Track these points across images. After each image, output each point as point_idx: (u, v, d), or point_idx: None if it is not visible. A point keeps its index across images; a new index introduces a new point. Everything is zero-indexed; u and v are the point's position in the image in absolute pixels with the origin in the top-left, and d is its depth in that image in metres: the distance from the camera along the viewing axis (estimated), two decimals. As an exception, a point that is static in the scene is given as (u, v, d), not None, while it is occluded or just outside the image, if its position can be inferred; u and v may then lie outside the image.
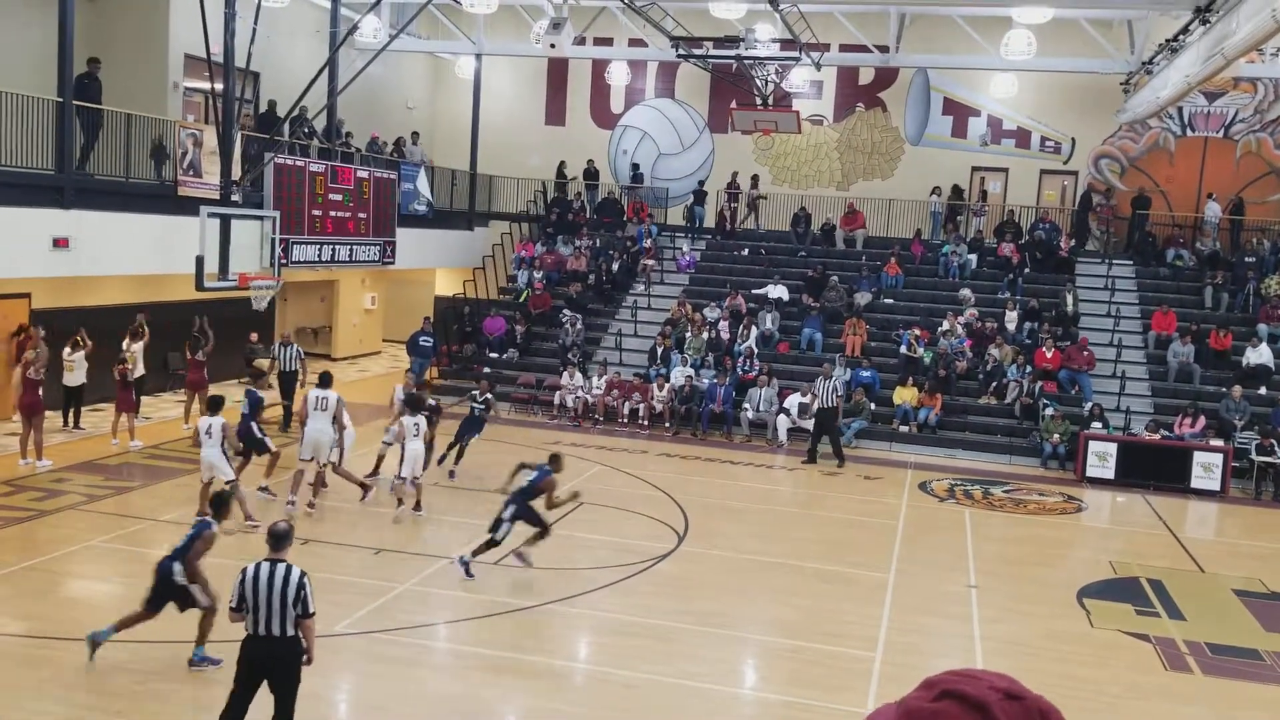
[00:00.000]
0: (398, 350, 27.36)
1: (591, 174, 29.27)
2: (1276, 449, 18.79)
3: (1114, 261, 25.36)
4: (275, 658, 7.12)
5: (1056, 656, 10.56)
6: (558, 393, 21.93)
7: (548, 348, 24.05)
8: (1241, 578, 13.60)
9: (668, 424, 21.22)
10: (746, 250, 27.03)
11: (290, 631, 7.10)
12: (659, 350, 22.76)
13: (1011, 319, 23.12)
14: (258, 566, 7.18)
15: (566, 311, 24.30)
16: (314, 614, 7.20)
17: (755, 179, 28.42)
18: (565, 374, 22.07)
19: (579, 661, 10.30)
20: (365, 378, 25.84)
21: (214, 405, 13.31)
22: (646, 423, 21.17)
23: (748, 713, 9.29)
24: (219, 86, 18.18)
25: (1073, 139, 27.48)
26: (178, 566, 8.80)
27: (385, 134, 26.40)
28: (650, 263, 26.21)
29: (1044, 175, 27.91)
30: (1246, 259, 24.52)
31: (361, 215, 22.15)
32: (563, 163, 29.30)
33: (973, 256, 25.55)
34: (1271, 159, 26.45)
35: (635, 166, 29.42)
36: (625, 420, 21.45)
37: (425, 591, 11.41)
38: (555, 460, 12.26)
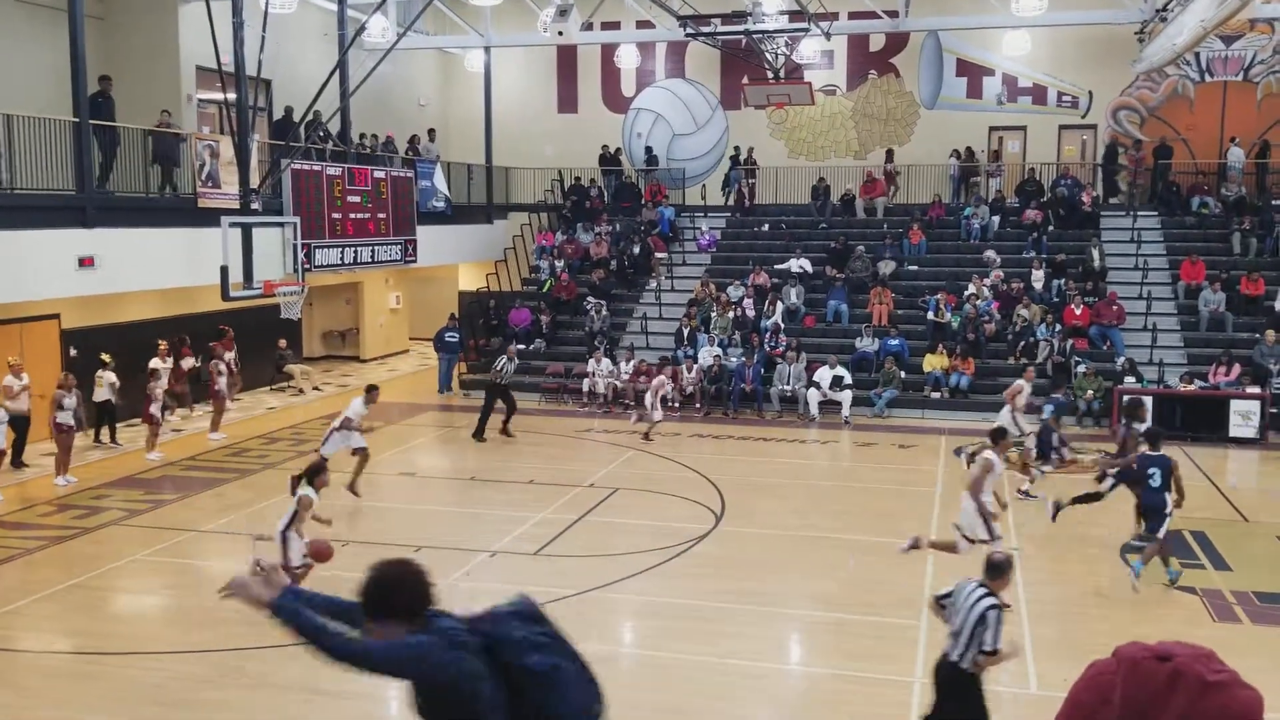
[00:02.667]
0: (425, 348, 27.50)
1: (608, 159, 29.22)
2: (1312, 392, 18.58)
3: (1139, 213, 25.07)
4: (952, 682, 6.93)
5: (1102, 615, 10.51)
6: (586, 380, 21.97)
7: (574, 336, 24.09)
8: (1287, 524, 13.47)
9: (698, 405, 21.22)
10: (766, 226, 26.93)
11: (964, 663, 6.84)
12: (685, 331, 22.75)
13: (1038, 278, 22.93)
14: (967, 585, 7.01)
15: (590, 299, 24.32)
16: (995, 652, 6.79)
17: (750, 151, 28.24)
18: (592, 360, 22.11)
19: (623, 646, 10.33)
20: (395, 377, 25.99)
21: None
22: (677, 405, 21.18)
23: (798, 687, 9.30)
24: (232, 96, 18.26)
25: (1090, 92, 27.15)
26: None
27: (399, 133, 26.47)
28: (660, 255, 26.01)
29: (1063, 131, 27.59)
30: (1274, 202, 24.17)
31: (381, 215, 22.23)
32: (605, 146, 29.21)
33: (995, 218, 25.34)
34: (1295, 99, 26.02)
35: (649, 150, 29.34)
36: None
37: (466, 586, 11.48)
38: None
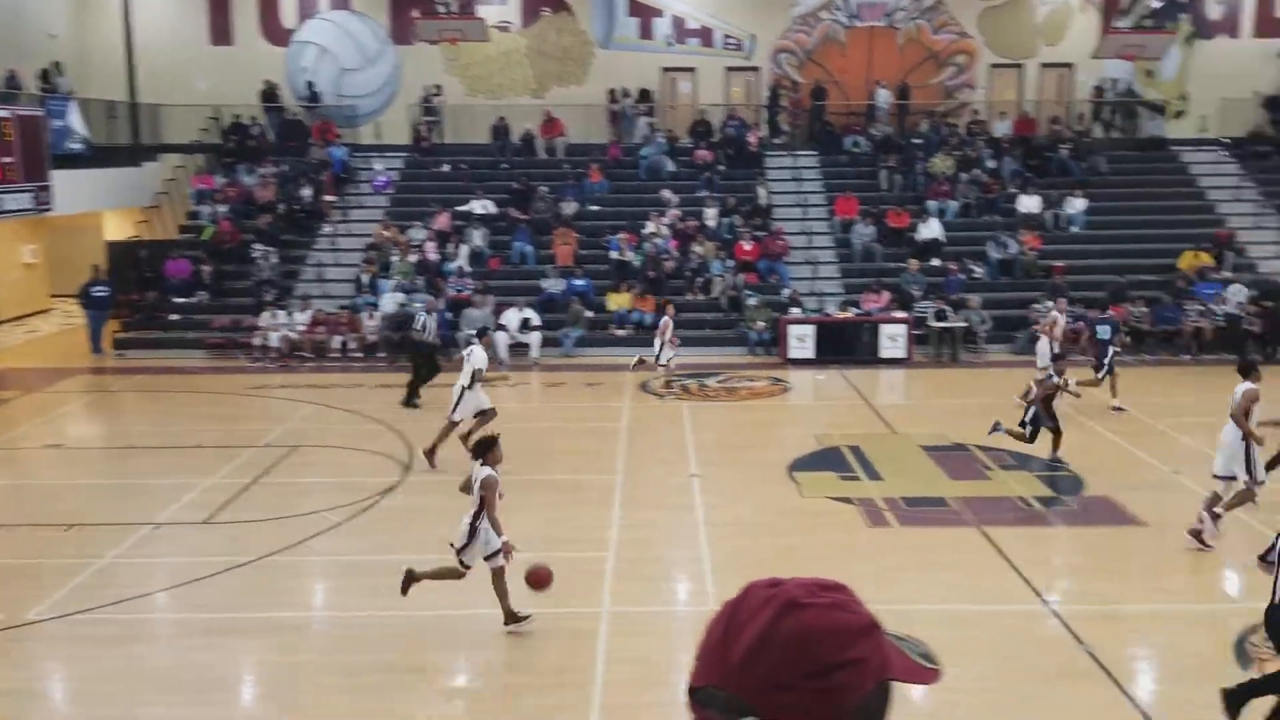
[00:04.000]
0: (71, 305, 24.91)
1: (270, 96, 27.45)
2: (950, 314, 20.54)
3: (799, 153, 26.60)
4: None
5: (773, 530, 11.15)
6: (257, 333, 20.70)
7: (240, 287, 22.58)
8: (928, 434, 14.83)
9: (381, 353, 20.55)
10: (447, 166, 26.34)
11: None
12: (364, 278, 21.91)
13: (711, 216, 23.86)
14: None
15: (258, 246, 22.86)
16: None
17: (439, 89, 27.58)
18: (266, 313, 20.85)
19: (310, 610, 9.89)
20: (36, 339, 23.41)
21: None
22: (360, 354, 20.40)
23: (488, 630, 9.21)
24: None
25: (753, 35, 28.36)
26: None
27: (28, 68, 23.55)
28: (331, 198, 24.80)
29: (730, 73, 28.71)
30: (914, 141, 26.38)
31: (7, 160, 19.74)
32: (267, 82, 27.24)
33: (669, 159, 26.07)
34: (929, 44, 28.38)
35: (310, 85, 27.78)
36: (338, 354, 20.60)
37: (130, 563, 10.53)
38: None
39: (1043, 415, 13.13)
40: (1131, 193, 25.08)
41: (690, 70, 28.61)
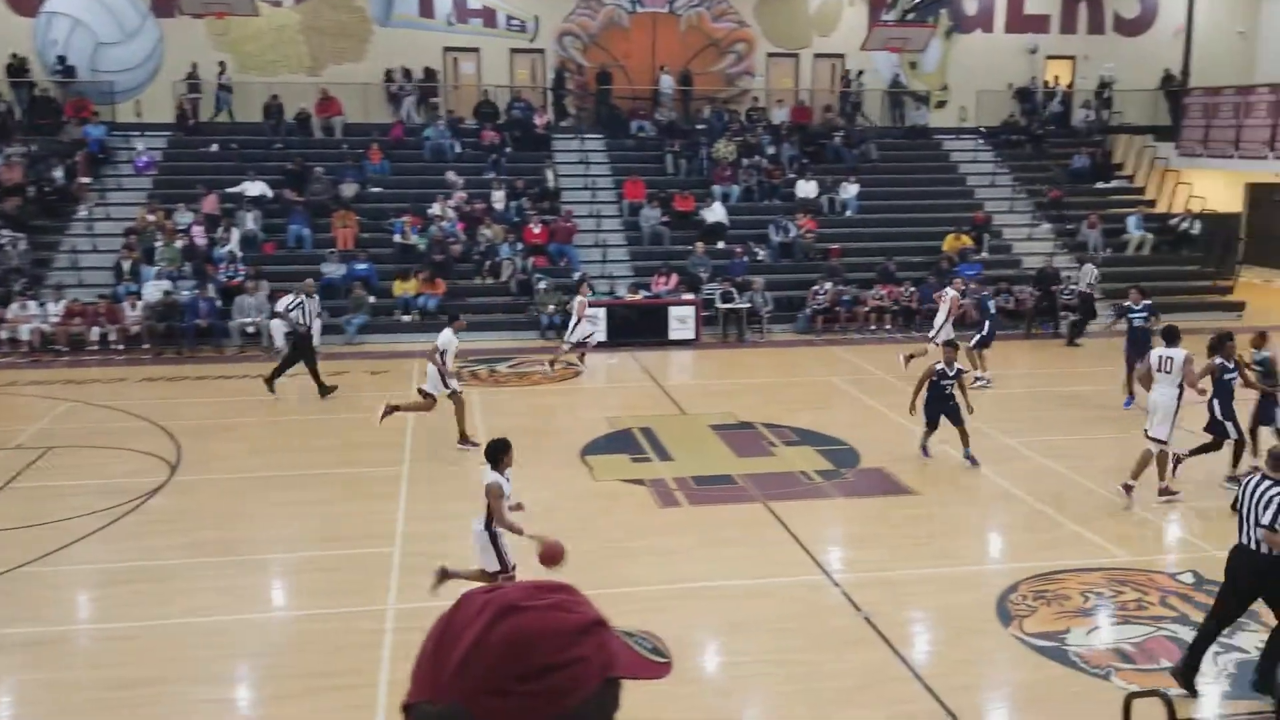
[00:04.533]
0: None
1: (17, 70, 25.21)
2: (736, 296, 21.05)
3: (586, 136, 26.62)
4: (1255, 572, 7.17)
5: (566, 513, 11.07)
6: (5, 326, 19.01)
7: (-14, 275, 20.68)
8: (717, 413, 15.14)
9: (146, 345, 19.26)
10: (215, 146, 24.92)
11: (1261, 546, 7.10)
12: (125, 265, 20.46)
13: (499, 199, 23.57)
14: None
15: (4, 232, 20.98)
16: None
17: (223, 66, 26.11)
18: (15, 304, 19.17)
19: (69, 623, 9.12)
20: None
21: None
22: (122, 347, 19.06)
23: (265, 638, 8.75)
24: None
25: (536, 17, 28.13)
26: None
27: None
28: (86, 179, 23.02)
29: (514, 54, 28.40)
30: (698, 126, 26.87)
31: None
32: (14, 55, 24.87)
33: (455, 140, 25.57)
34: (710, 31, 28.93)
35: (61, 59, 25.68)
36: (96, 347, 19.19)
37: None
38: None
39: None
40: (899, 179, 26.42)
41: (474, 51, 28.13)
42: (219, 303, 19.85)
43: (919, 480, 12.07)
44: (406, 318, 20.73)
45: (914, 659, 7.98)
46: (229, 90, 26.05)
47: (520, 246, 22.16)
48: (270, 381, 16.00)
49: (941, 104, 29.78)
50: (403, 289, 20.93)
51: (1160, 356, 11.38)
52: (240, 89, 26.33)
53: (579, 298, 18.57)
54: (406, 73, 26.76)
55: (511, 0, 27.93)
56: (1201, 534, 10.55)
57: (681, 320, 20.55)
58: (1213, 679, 7.55)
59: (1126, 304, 15.04)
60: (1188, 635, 8.08)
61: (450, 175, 24.02)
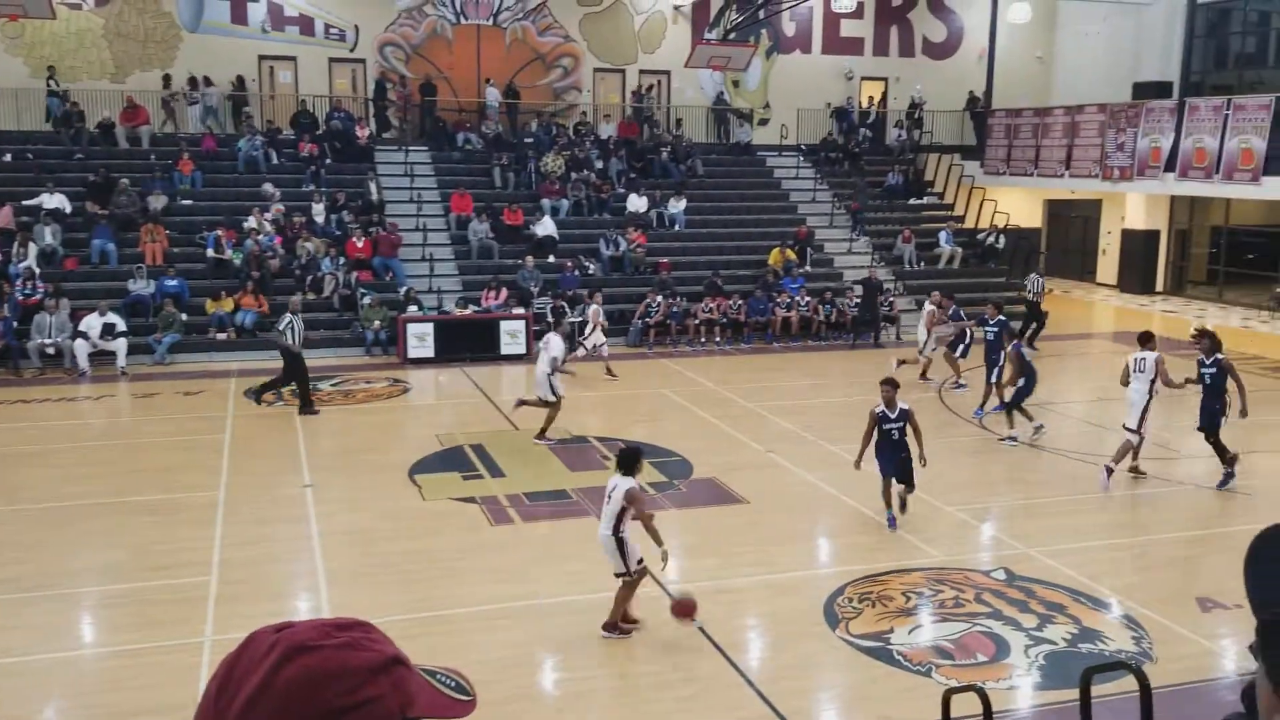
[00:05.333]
0: None
1: None
2: (568, 310, 20.98)
3: (411, 148, 26.14)
4: None
5: (394, 535, 10.78)
6: None
7: None
8: (550, 428, 15.00)
9: (-69, 368, 17.80)
10: (9, 156, 23.29)
11: None
12: (-95, 282, 18.87)
13: (319, 211, 22.86)
14: None
15: None
16: None
17: (51, 70, 24.49)
18: None
19: None
20: None
21: None
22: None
23: (74, 677, 8.14)
24: None
25: (356, 26, 27.50)
26: None
27: None
28: None
29: (333, 63, 27.66)
30: (525, 139, 26.76)
31: None
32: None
33: (271, 150, 24.69)
34: (536, 45, 28.90)
35: None
36: None
37: None
38: None
39: None
40: (726, 194, 26.97)
41: (290, 59, 27.27)
42: (16, 322, 18.53)
43: (750, 489, 12.26)
44: (222, 336, 19.83)
45: (746, 665, 8.06)
46: (59, 97, 24.46)
47: (343, 261, 21.52)
48: (306, 410, 15.81)
49: (764, 122, 30.60)
50: (217, 305, 20.01)
51: (1135, 358, 12.46)
52: (33, 94, 24.74)
53: (594, 305, 18.89)
54: (193, 80, 25.64)
55: (330, 8, 27.22)
56: (1012, 533, 11.07)
57: (513, 335, 20.37)
58: (1025, 671, 7.91)
59: (985, 316, 15.92)
60: (1001, 630, 8.45)
61: (267, 187, 23.17)
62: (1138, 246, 28.93)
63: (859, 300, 22.26)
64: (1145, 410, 12.29)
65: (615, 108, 29.39)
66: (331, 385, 17.89)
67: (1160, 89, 27.78)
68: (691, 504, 11.92)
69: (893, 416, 10.72)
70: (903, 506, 10.94)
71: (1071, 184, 28.56)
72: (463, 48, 28.27)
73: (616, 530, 8.30)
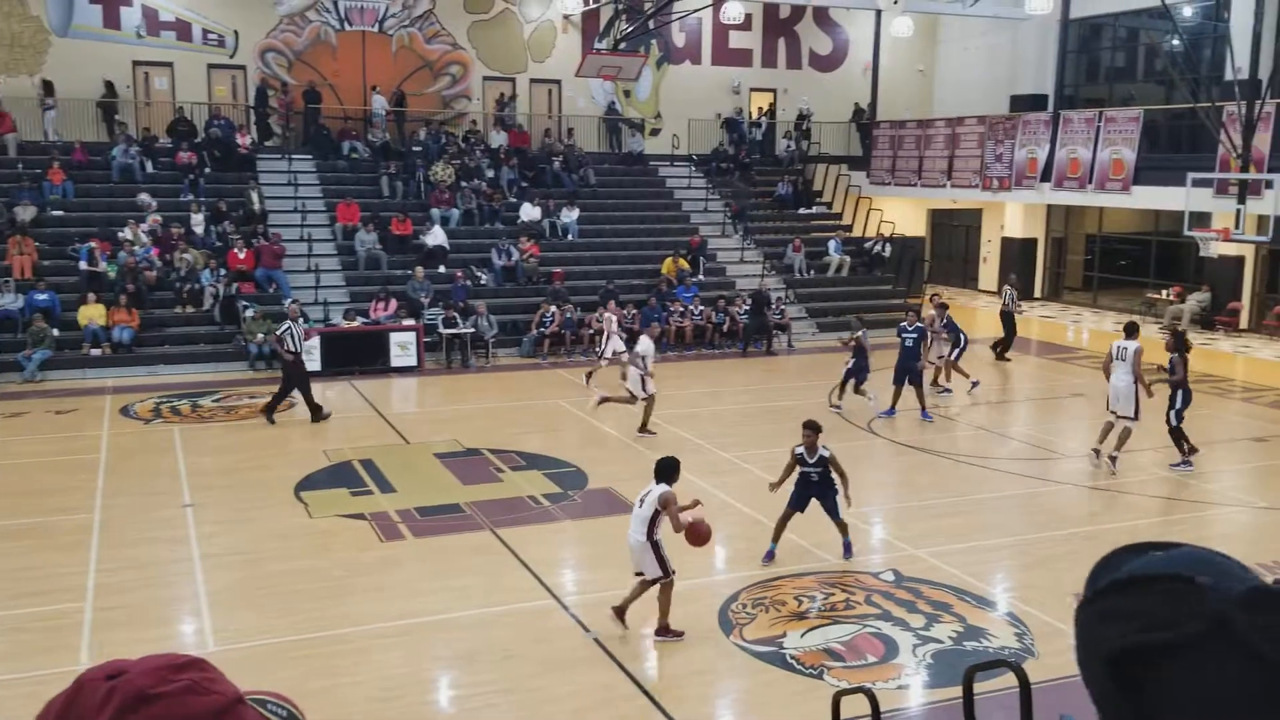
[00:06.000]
0: None
1: None
2: (459, 321, 20.73)
3: (294, 156, 25.54)
4: None
5: (279, 555, 10.46)
6: None
7: None
8: (441, 441, 14.80)
9: None
10: None
11: None
12: None
13: (198, 222, 22.16)
14: None
15: None
16: None
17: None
18: None
19: None
20: None
21: None
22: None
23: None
24: None
25: (236, 32, 26.78)
26: None
27: None
28: None
29: (212, 70, 26.88)
30: (414, 148, 26.38)
31: None
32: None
33: (147, 159, 23.86)
34: (423, 53, 28.55)
35: None
36: None
37: None
38: None
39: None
40: (619, 204, 27.01)
41: (167, 65, 26.42)
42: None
43: (643, 497, 12.21)
44: (96, 351, 19.04)
45: (642, 675, 8.02)
46: None
47: (224, 272, 20.88)
48: (316, 416, 15.98)
49: (656, 132, 30.76)
50: (89, 318, 19.20)
51: (1118, 346, 13.32)
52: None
53: (608, 314, 18.63)
54: (47, 85, 24.63)
55: (208, 14, 26.46)
56: (900, 536, 11.26)
57: (403, 347, 20.01)
58: (913, 670, 8.03)
59: (903, 323, 16.49)
60: (890, 631, 8.58)
61: (143, 197, 22.38)
62: (1016, 254, 29.90)
63: (749, 310, 22.52)
64: (1136, 397, 13.09)
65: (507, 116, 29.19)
66: (213, 401, 17.32)
67: (1036, 101, 28.79)
68: (587, 515, 11.84)
69: (811, 461, 10.08)
70: (846, 547, 10.25)
71: (953, 194, 29.40)
72: (347, 55, 27.76)
73: (650, 534, 8.41)
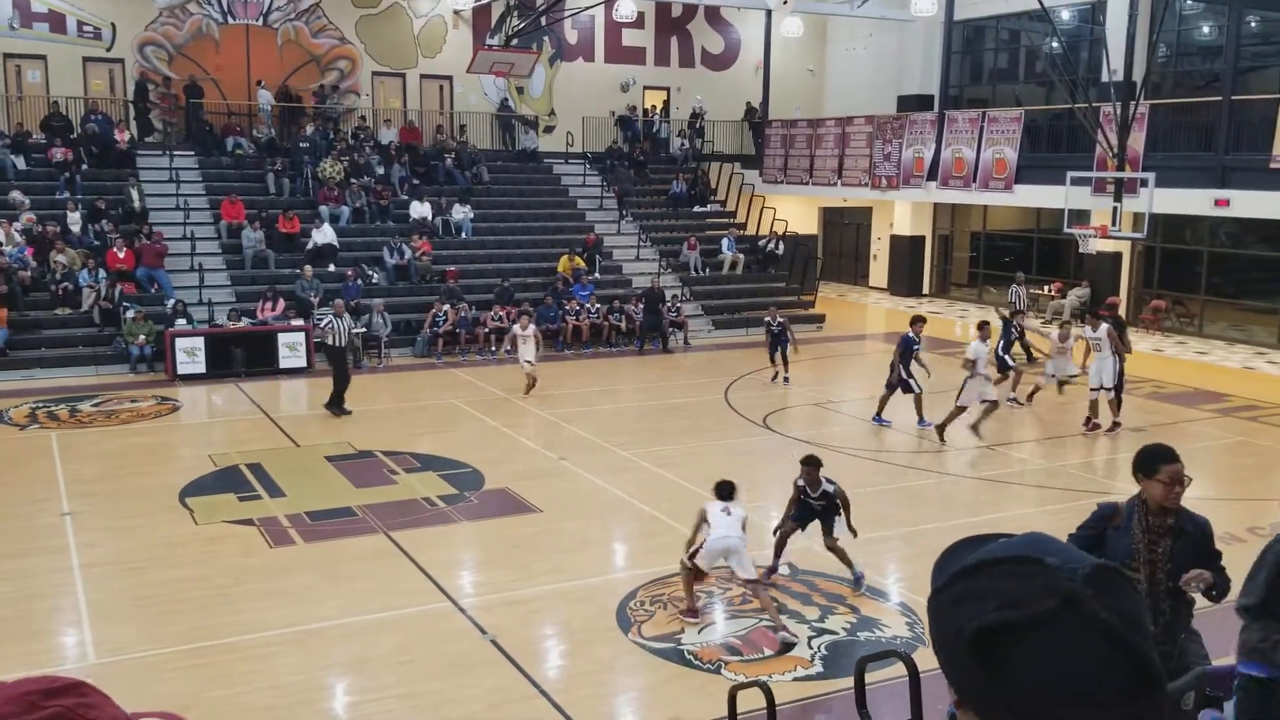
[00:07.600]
0: None
1: None
2: (351, 320, 20.29)
3: (176, 153, 24.74)
4: None
5: (164, 563, 10.11)
6: None
7: None
8: (332, 444, 14.49)
9: None
10: None
11: None
12: None
13: (75, 220, 21.31)
14: None
15: None
16: None
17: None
18: None
19: None
20: None
21: None
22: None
23: None
24: None
25: (113, 24, 25.82)
26: None
27: None
28: None
29: (88, 63, 25.87)
30: (301, 144, 25.79)
31: None
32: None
33: (18, 157, 22.84)
34: (310, 47, 27.92)
35: None
36: None
37: None
38: None
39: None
40: (513, 201, 26.83)
41: (40, 58, 25.34)
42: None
43: (542, 498, 12.17)
44: (-35, 356, 18.17)
45: (540, 676, 7.97)
46: None
47: (103, 273, 20.12)
48: (335, 409, 16.12)
49: (549, 129, 30.65)
50: (-41, 323, 18.33)
51: (1090, 339, 15.34)
52: None
53: (523, 332, 17.37)
54: None
55: (84, 6, 25.45)
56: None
57: (291, 347, 19.54)
58: (809, 662, 8.16)
59: (768, 319, 18.57)
60: (786, 622, 8.69)
61: (15, 195, 21.42)
62: (905, 251, 30.62)
63: (643, 308, 22.58)
64: (1117, 370, 14.93)
65: (396, 112, 28.76)
66: (93, 405, 16.67)
67: (922, 102, 29.52)
68: (483, 516, 11.73)
69: (814, 495, 9.51)
70: (850, 567, 9.62)
71: (844, 192, 29.96)
72: (231, 48, 27.00)
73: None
